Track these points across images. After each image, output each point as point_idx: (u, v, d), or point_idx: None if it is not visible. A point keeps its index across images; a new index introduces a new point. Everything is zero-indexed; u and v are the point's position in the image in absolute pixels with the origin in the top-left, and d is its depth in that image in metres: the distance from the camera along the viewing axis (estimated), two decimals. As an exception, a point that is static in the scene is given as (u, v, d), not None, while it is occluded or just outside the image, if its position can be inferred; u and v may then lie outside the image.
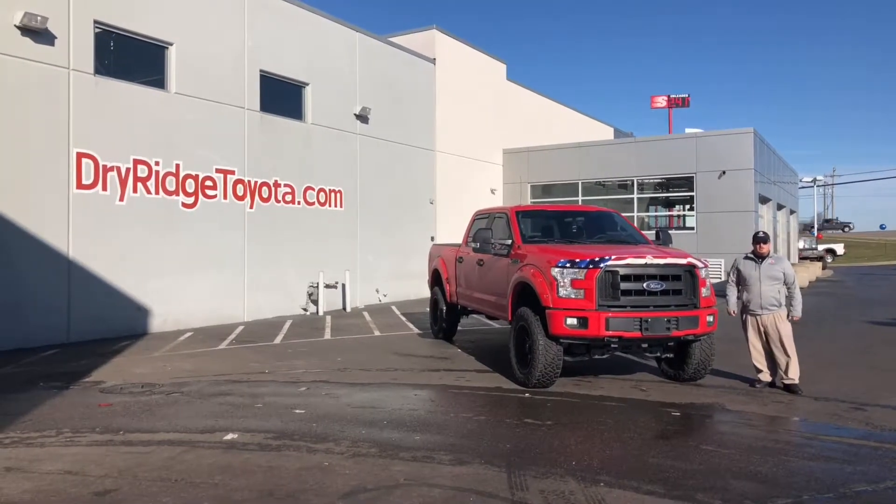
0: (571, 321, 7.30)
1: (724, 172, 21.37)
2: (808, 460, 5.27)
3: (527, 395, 7.58)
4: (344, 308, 17.08)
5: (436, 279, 12.15)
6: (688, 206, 23.35)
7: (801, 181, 41.76)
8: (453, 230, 20.40)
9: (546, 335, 7.53)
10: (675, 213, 26.19)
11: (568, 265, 7.42)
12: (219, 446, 5.64)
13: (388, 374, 8.79)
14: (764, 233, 8.02)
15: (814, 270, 28.77)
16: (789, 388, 7.64)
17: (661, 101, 44.68)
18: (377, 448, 5.53)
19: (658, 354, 8.03)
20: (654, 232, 9.57)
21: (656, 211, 26.89)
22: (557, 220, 9.58)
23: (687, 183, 22.40)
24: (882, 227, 70.37)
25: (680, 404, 7.16)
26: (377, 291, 18.87)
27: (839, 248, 49.26)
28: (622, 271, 7.34)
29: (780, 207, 29.20)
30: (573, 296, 7.36)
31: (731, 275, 8.15)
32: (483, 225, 10.07)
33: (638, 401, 7.35)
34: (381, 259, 18.80)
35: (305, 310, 16.40)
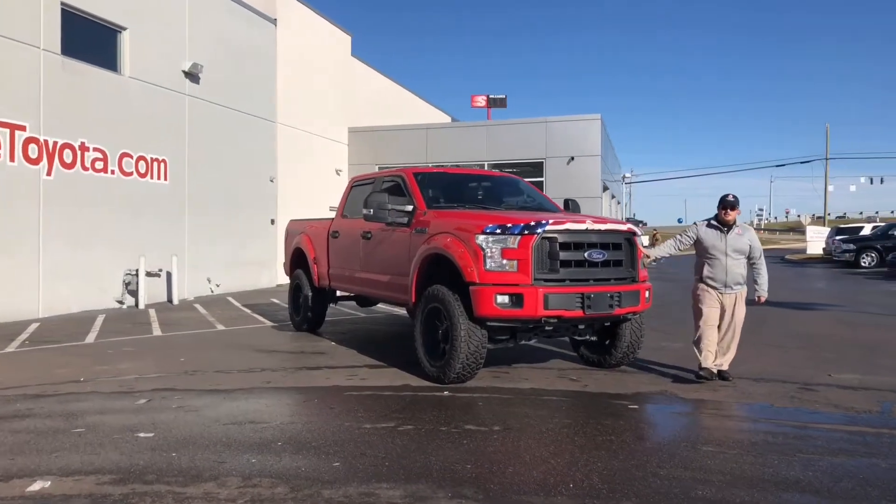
0: (503, 299, 5.92)
1: (572, 158, 21.37)
2: (831, 456, 4.33)
3: (446, 393, 6.08)
4: (170, 300, 14.37)
5: (298, 261, 10.22)
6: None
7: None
8: (295, 213, 18.32)
9: (469, 318, 6.09)
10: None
11: (498, 231, 6.02)
12: (20, 505, 3.50)
13: (257, 377, 6.83)
14: (734, 196, 6.54)
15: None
16: (721, 375, 6.60)
17: (481, 101, 44.73)
18: (286, 487, 3.73)
19: (587, 337, 6.92)
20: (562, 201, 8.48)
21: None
22: (461, 184, 8.14)
23: (536, 168, 22.14)
24: (679, 220, 78.34)
25: (627, 395, 6.07)
26: (209, 281, 16.27)
27: (645, 240, 53.63)
28: (561, 238, 6.09)
29: (612, 197, 30.37)
30: (504, 268, 5.99)
31: (683, 237, 6.85)
32: (370, 192, 8.41)
33: (578, 393, 6.16)
34: (213, 243, 16.20)
35: (121, 302, 13.50)
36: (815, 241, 34.99)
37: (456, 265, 6.18)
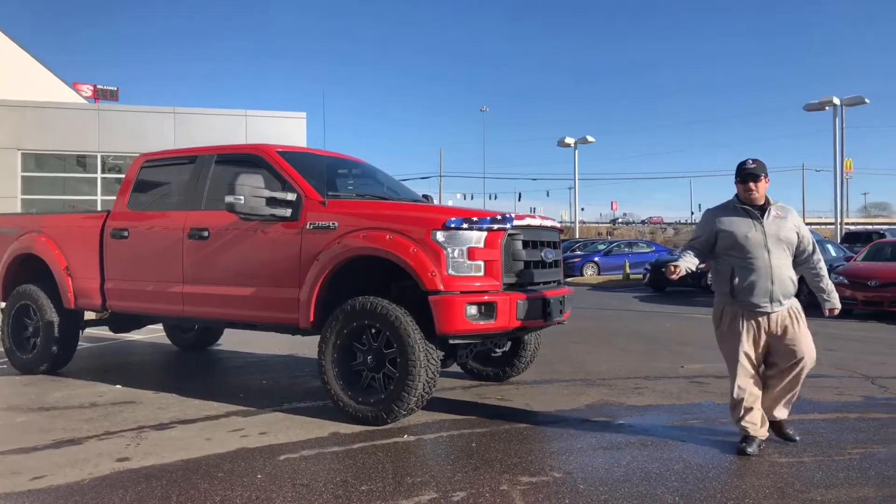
0: (473, 310, 4.77)
1: (276, 157, 19.84)
2: (883, 446, 4.41)
3: (406, 437, 4.66)
4: None
5: (20, 273, 7.10)
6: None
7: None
8: None
9: (427, 336, 4.78)
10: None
11: (465, 226, 4.85)
12: None
13: (88, 453, 4.29)
14: (755, 160, 4.30)
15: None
16: (780, 430, 4.50)
17: (87, 90, 38.68)
18: None
19: (505, 349, 6.12)
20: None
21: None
22: (333, 169, 6.42)
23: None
24: None
25: (581, 409, 5.47)
26: None
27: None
28: (524, 235, 5.20)
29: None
30: (470, 272, 4.85)
31: (699, 239, 4.50)
32: (186, 176, 6.18)
33: (533, 413, 5.34)
34: None
35: None
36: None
37: (409, 269, 4.80)
